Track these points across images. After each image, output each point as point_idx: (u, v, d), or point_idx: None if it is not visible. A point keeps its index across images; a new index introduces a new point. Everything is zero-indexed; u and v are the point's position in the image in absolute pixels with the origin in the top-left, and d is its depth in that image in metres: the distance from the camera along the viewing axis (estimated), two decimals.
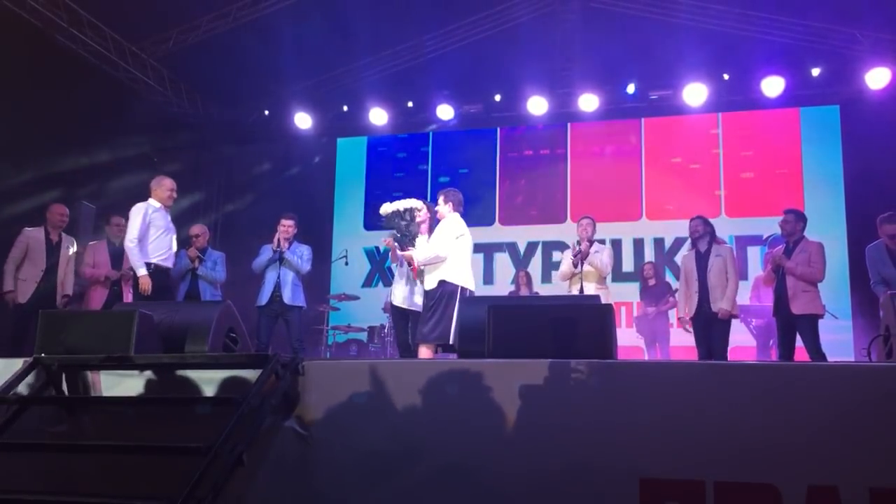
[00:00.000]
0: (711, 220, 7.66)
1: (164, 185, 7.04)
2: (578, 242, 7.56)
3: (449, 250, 6.35)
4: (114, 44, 10.41)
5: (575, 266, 7.45)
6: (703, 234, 7.37)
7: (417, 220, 6.70)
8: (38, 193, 8.99)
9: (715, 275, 7.15)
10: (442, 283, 6.30)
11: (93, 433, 4.01)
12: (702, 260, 7.29)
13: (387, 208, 6.65)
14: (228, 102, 12.36)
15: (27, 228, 7.65)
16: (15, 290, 7.44)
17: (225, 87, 11.80)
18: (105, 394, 4.16)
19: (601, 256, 7.52)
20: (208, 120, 12.48)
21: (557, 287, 7.86)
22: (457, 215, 6.63)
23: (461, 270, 6.38)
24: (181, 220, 10.81)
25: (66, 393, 4.17)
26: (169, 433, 3.73)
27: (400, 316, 7.23)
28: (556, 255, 10.79)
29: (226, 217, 11.97)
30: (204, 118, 12.42)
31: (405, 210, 6.59)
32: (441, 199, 6.67)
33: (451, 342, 6.18)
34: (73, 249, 7.87)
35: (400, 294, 7.14)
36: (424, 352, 6.28)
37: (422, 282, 6.56)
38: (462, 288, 6.32)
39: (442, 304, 6.23)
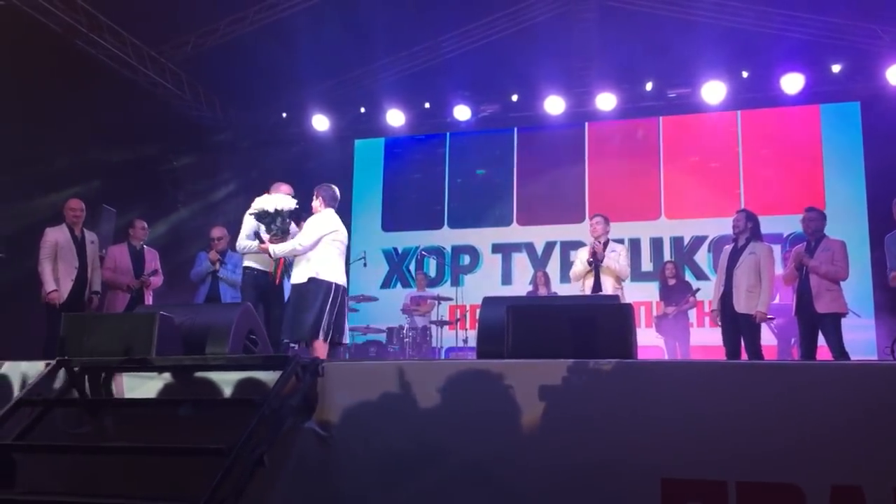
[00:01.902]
0: (730, 218, 7.56)
1: (282, 192, 6.86)
2: (593, 251, 7.41)
3: (310, 245, 6.31)
4: (133, 48, 10.48)
5: (590, 265, 7.35)
6: (744, 230, 7.19)
7: (288, 219, 6.57)
8: (58, 197, 9.08)
9: (742, 272, 7.01)
10: (311, 279, 6.25)
11: (115, 434, 4.04)
12: (735, 255, 7.18)
13: (260, 204, 6.46)
14: (246, 105, 12.43)
15: (49, 228, 7.57)
16: (59, 288, 7.37)
17: (243, 90, 11.87)
18: (127, 395, 4.19)
19: (619, 258, 7.36)
20: (227, 123, 12.57)
21: (575, 287, 7.80)
22: (330, 211, 6.57)
23: (332, 266, 6.36)
24: (201, 223, 10.92)
25: (89, 395, 4.21)
26: (190, 434, 3.76)
27: None
28: (574, 255, 10.75)
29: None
30: (222, 121, 12.50)
31: (276, 211, 6.42)
32: (314, 195, 6.65)
33: (325, 340, 6.19)
34: (96, 244, 7.84)
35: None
36: (321, 347, 6.23)
37: (289, 276, 6.52)
38: (336, 284, 6.33)
39: (318, 301, 6.19)
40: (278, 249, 6.37)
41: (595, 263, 7.32)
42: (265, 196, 6.59)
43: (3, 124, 8.50)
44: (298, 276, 6.36)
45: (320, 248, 6.36)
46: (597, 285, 7.31)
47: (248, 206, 6.88)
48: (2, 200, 8.80)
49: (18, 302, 8.23)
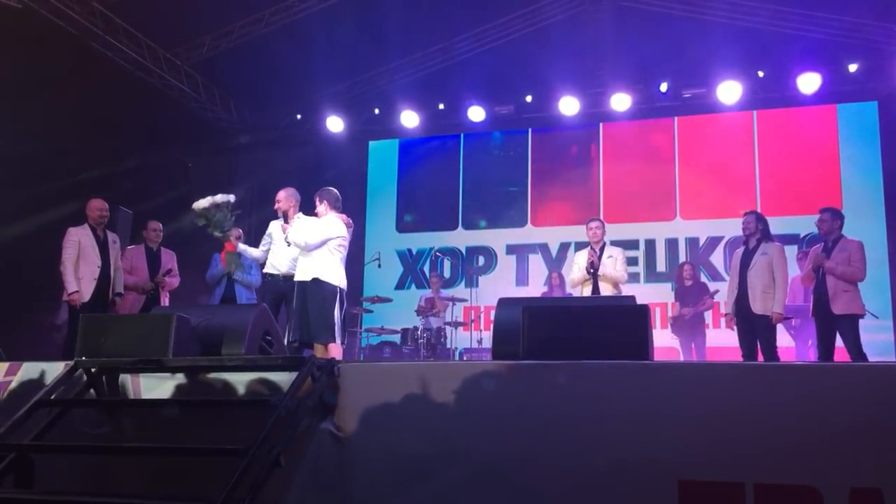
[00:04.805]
0: None
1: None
2: (591, 261, 7.49)
3: (315, 244, 6.40)
4: (148, 51, 10.55)
5: (589, 274, 7.42)
6: (755, 232, 7.19)
7: (228, 213, 6.73)
8: (74, 199, 9.12)
9: (755, 273, 7.00)
10: (315, 280, 6.34)
11: (133, 435, 4.06)
12: (747, 257, 7.18)
13: (200, 204, 6.64)
14: (261, 106, 12.48)
15: (72, 228, 7.49)
16: (80, 289, 7.29)
17: (258, 92, 11.92)
18: (144, 396, 4.21)
19: (615, 264, 7.44)
20: (241, 124, 12.62)
21: (574, 293, 7.84)
22: (333, 214, 6.65)
23: (335, 271, 6.44)
24: None
25: (107, 395, 4.23)
26: (207, 435, 3.77)
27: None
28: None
29: (259, 221, 12.05)
30: (237, 123, 12.56)
31: (223, 203, 6.64)
32: (317, 200, 6.72)
33: (337, 342, 6.28)
34: (118, 245, 7.79)
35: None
36: (336, 350, 6.29)
37: (233, 272, 6.85)
38: (340, 289, 6.42)
39: (327, 304, 6.29)
40: (291, 235, 6.48)
41: (593, 272, 7.37)
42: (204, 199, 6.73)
43: (18, 125, 8.56)
44: (302, 273, 6.46)
45: (324, 252, 6.45)
46: (595, 292, 7.36)
47: (263, 207, 7.00)
48: (17, 201, 8.86)
49: (40, 304, 8.30)
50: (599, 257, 7.45)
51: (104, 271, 7.49)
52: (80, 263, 7.39)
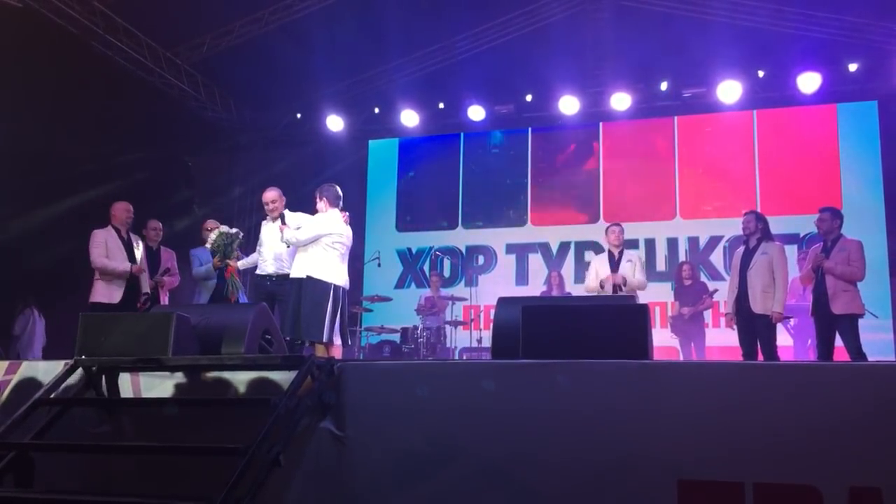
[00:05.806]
0: None
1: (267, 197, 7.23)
2: (611, 275, 7.53)
3: (305, 240, 6.43)
4: (149, 50, 10.55)
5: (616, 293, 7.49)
6: (755, 231, 7.20)
7: (235, 243, 7.12)
8: (74, 197, 9.14)
9: (755, 273, 7.00)
10: (309, 277, 6.32)
11: (132, 434, 4.06)
12: (747, 256, 7.18)
13: (213, 235, 7.16)
14: (261, 106, 12.49)
15: (97, 230, 7.28)
16: (110, 291, 7.13)
17: (258, 91, 11.93)
18: (144, 395, 4.22)
19: (634, 271, 7.56)
20: (241, 123, 12.63)
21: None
22: (335, 211, 6.63)
23: (329, 268, 6.40)
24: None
25: (107, 394, 4.23)
26: (207, 434, 3.78)
27: None
28: (588, 255, 10.73)
29: (259, 220, 12.03)
30: (237, 122, 12.57)
31: (224, 234, 7.08)
32: (317, 197, 6.73)
33: (325, 340, 6.27)
34: (141, 245, 7.63)
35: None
36: (334, 348, 6.34)
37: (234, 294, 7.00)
38: (335, 286, 6.39)
39: (319, 302, 6.28)
40: (286, 233, 6.53)
41: (619, 288, 7.48)
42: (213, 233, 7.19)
43: (18, 125, 8.56)
44: (297, 270, 6.46)
45: (318, 249, 6.43)
46: None
47: (263, 207, 7.06)
48: (19, 201, 8.86)
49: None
50: (618, 262, 7.54)
51: (131, 273, 7.32)
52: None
